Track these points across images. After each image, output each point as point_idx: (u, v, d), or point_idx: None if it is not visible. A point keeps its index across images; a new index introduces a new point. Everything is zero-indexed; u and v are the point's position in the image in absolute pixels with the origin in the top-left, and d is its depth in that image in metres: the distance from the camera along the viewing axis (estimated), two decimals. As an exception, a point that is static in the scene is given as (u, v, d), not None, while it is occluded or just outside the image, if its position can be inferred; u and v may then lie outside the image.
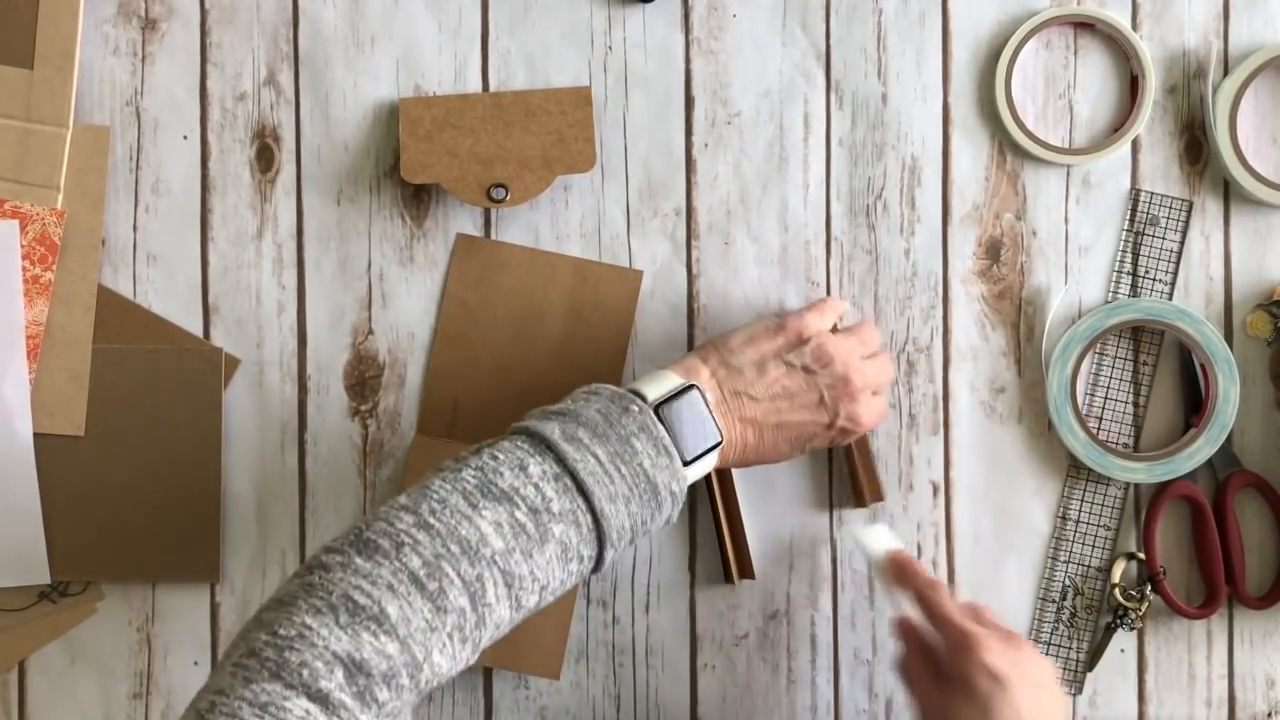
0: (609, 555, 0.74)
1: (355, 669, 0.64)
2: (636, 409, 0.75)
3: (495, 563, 0.69)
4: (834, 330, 0.86)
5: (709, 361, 0.81)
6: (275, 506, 0.93)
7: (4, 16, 0.90)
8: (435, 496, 0.70)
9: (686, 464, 0.76)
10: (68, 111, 0.91)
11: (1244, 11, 0.93)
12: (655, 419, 0.76)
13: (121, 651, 0.92)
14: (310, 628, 0.65)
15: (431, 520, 0.69)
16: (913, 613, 0.83)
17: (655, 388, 0.78)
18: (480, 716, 0.92)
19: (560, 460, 0.73)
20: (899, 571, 0.84)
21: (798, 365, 0.82)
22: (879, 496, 0.92)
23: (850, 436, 0.84)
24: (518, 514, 0.71)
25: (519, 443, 0.74)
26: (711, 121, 0.93)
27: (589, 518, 0.73)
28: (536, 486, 0.72)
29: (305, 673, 0.63)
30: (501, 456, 0.73)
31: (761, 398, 0.81)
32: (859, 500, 0.91)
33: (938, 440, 0.93)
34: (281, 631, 0.65)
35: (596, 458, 0.73)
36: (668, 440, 0.75)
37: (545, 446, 0.73)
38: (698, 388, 0.78)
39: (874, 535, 0.88)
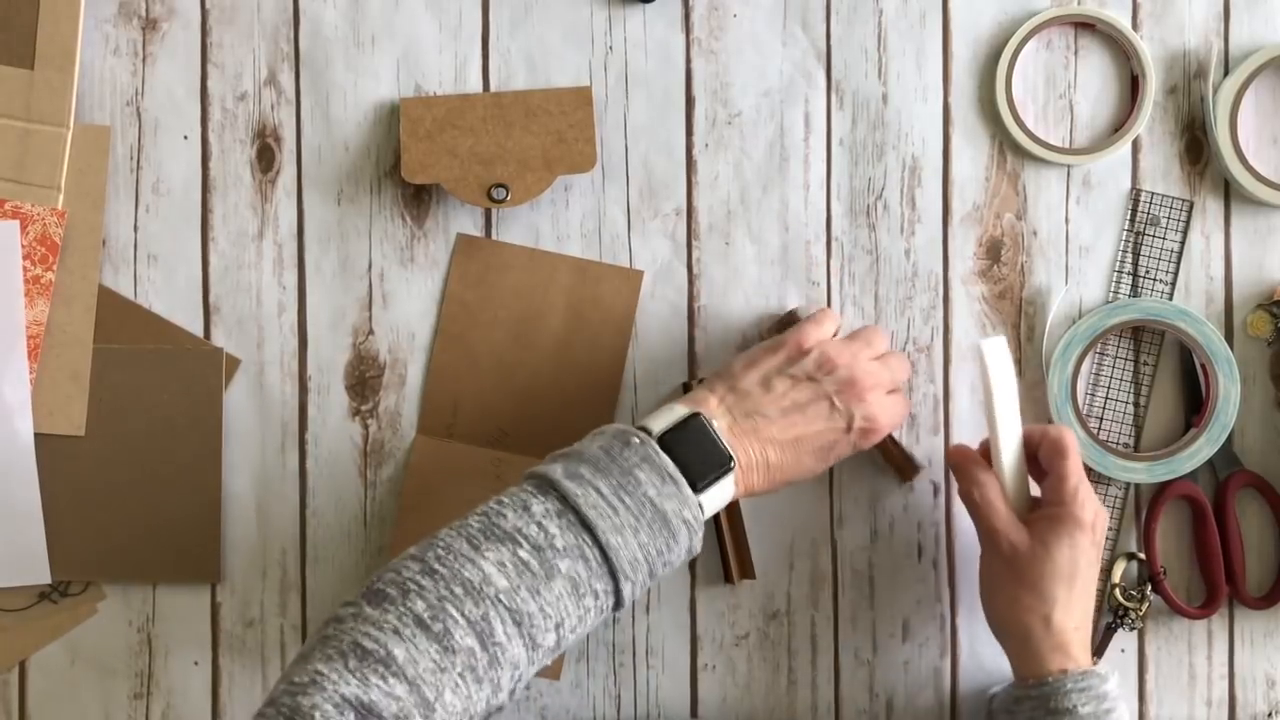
0: (627, 589, 0.74)
1: (365, 711, 0.66)
2: (638, 441, 0.76)
3: (500, 601, 0.71)
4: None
5: (716, 390, 0.81)
6: (275, 506, 0.93)
7: (4, 16, 0.90)
8: (441, 544, 0.73)
9: (698, 490, 0.76)
10: (68, 111, 0.91)
11: (1244, 11, 0.93)
12: (658, 449, 0.76)
13: (121, 651, 0.92)
14: (321, 673, 0.67)
15: (436, 566, 0.71)
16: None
17: (661, 420, 0.78)
18: (480, 716, 0.92)
19: (563, 497, 0.74)
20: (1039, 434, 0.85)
21: (802, 377, 0.81)
22: (915, 470, 0.92)
23: (872, 438, 0.83)
24: (521, 552, 0.72)
25: (525, 486, 0.76)
26: (712, 121, 0.93)
27: (596, 551, 0.73)
28: (540, 524, 0.73)
29: (317, 715, 0.66)
30: (506, 500, 0.74)
31: (773, 415, 0.80)
32: (902, 477, 0.92)
33: (938, 440, 0.93)
34: (296, 679, 0.67)
35: (599, 491, 0.74)
36: (673, 468, 0.76)
37: (548, 486, 0.75)
38: (702, 415, 0.78)
39: (995, 350, 0.85)
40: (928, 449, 0.92)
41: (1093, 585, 0.83)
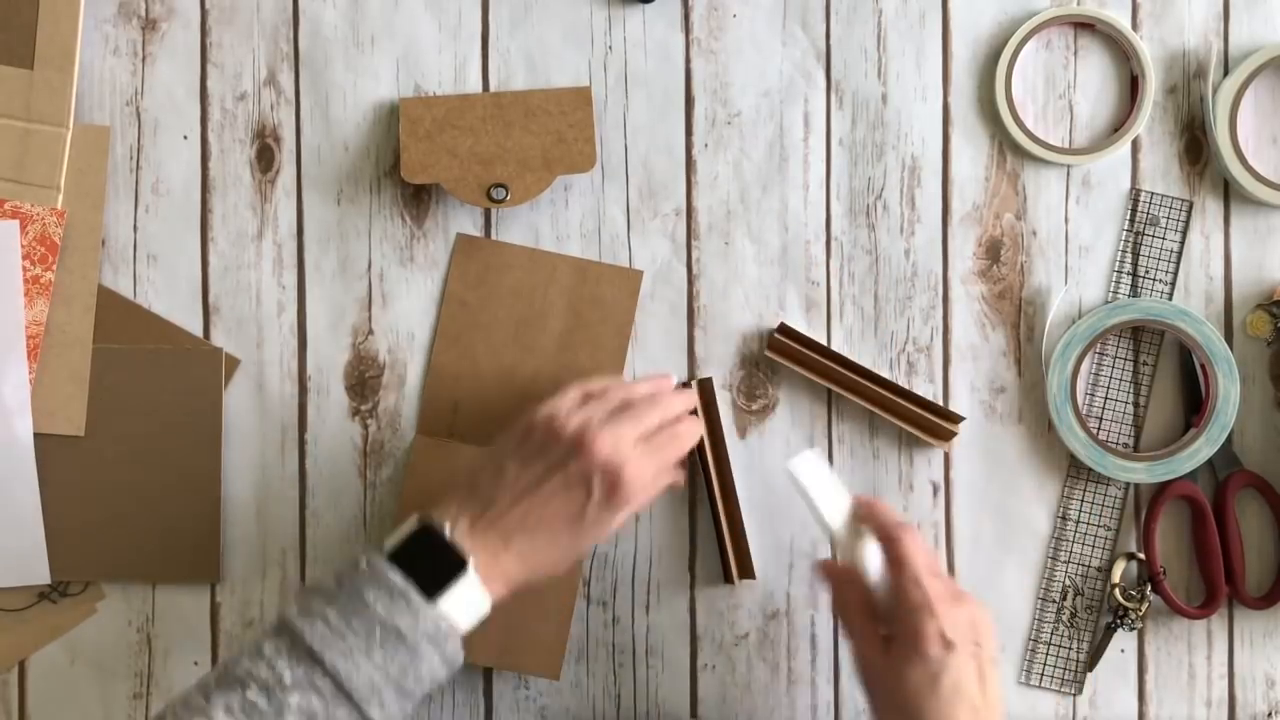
0: (376, 713, 0.73)
1: None
2: (364, 563, 0.75)
3: None
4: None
5: (457, 493, 0.79)
6: (275, 506, 0.93)
7: (4, 16, 0.90)
8: (180, 699, 0.73)
9: (434, 599, 0.74)
10: (68, 111, 0.91)
11: (1244, 11, 0.93)
12: (387, 565, 0.74)
13: (121, 651, 0.92)
14: None
15: (169, 718, 0.72)
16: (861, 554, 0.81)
17: (394, 536, 0.77)
18: (480, 716, 0.92)
19: (292, 633, 0.73)
20: (868, 509, 0.82)
21: (533, 455, 0.78)
22: (747, 574, 0.91)
23: (622, 492, 0.78)
24: (249, 694, 0.72)
25: (265, 630, 0.75)
26: (711, 121, 0.93)
27: (327, 680, 0.72)
28: (269, 664, 0.73)
29: None
30: (245, 647, 0.75)
31: (506, 504, 0.77)
32: (726, 577, 0.91)
33: (938, 440, 0.93)
34: None
35: (325, 620, 0.73)
36: (400, 583, 0.73)
37: (282, 624, 0.74)
38: (434, 522, 0.76)
39: (806, 465, 0.83)
40: (927, 449, 0.93)
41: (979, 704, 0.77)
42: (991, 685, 0.77)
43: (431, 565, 0.75)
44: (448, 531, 0.76)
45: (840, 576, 0.82)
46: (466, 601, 0.75)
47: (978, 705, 0.76)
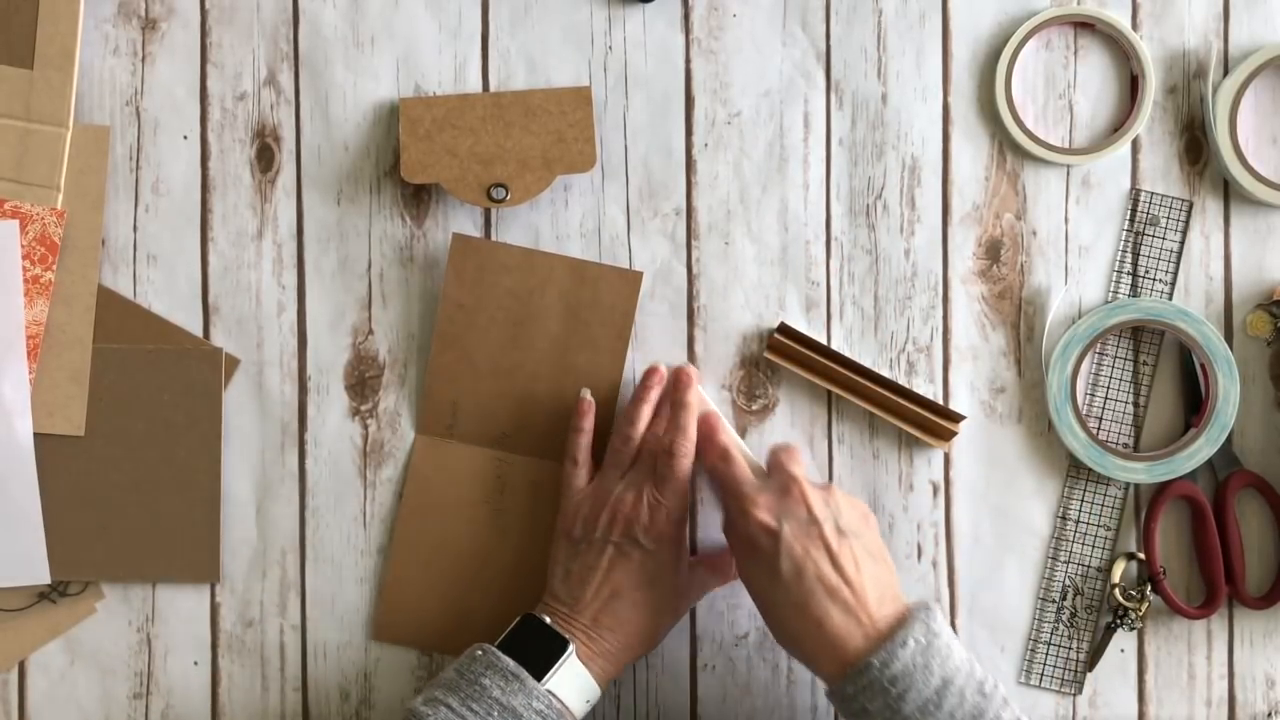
0: None
1: None
2: (480, 653, 0.82)
3: None
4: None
5: (542, 601, 0.87)
6: (275, 506, 0.93)
7: (4, 16, 0.90)
8: None
9: (544, 680, 0.81)
10: (68, 111, 0.91)
11: (1244, 11, 0.93)
12: (499, 654, 0.81)
13: (121, 651, 0.93)
14: None
15: None
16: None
17: (503, 633, 0.84)
18: (480, 716, 0.92)
19: None
20: (706, 430, 0.88)
21: (581, 546, 0.86)
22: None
23: (665, 535, 0.85)
24: None
25: None
26: (711, 121, 0.93)
27: None
28: None
29: None
30: None
31: (579, 591, 0.85)
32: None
33: (938, 440, 0.93)
34: None
35: (449, 706, 0.79)
36: (513, 667, 0.80)
37: (408, 716, 0.80)
38: (532, 614, 0.84)
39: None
40: (927, 449, 0.92)
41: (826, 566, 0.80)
42: (855, 566, 0.80)
43: (537, 651, 0.82)
44: (547, 620, 0.83)
45: (722, 429, 0.88)
46: (573, 681, 0.82)
47: (835, 585, 0.79)
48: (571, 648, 0.82)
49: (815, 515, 0.81)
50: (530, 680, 0.80)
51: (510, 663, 0.80)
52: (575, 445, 0.89)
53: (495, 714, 0.79)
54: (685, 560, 0.87)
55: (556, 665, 0.81)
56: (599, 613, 0.84)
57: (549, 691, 0.81)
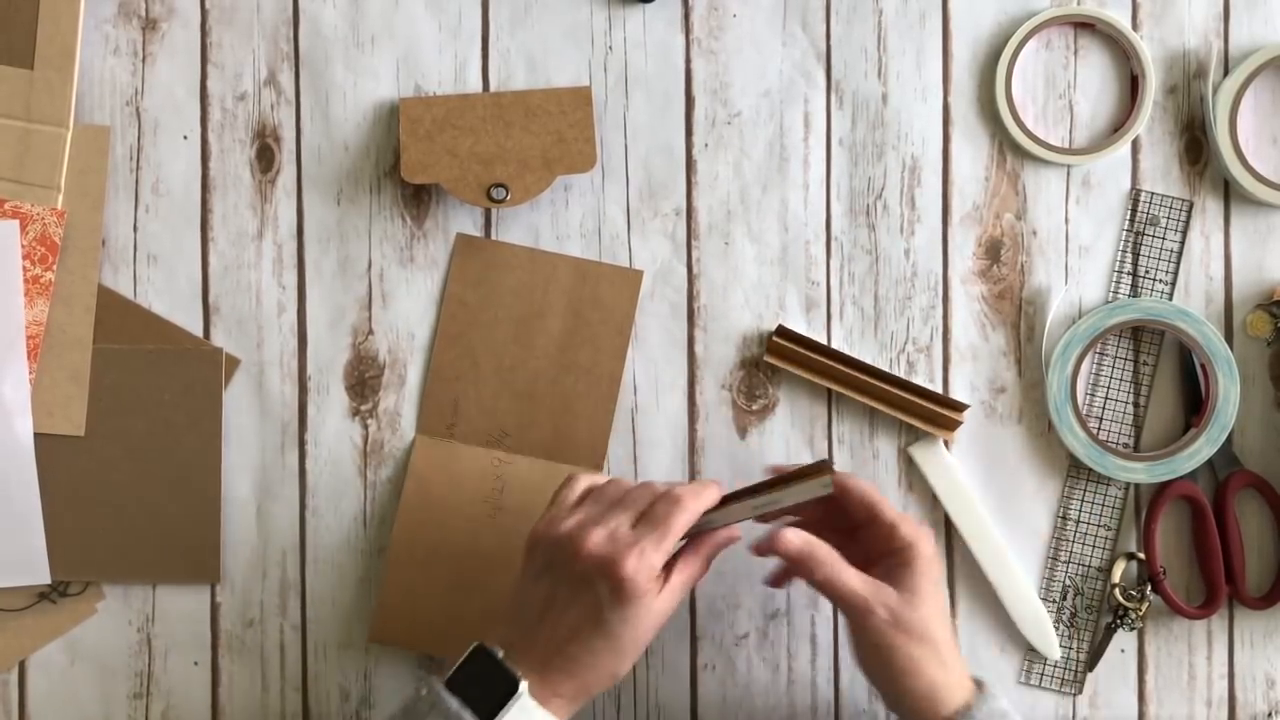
0: None
1: None
2: (425, 691, 0.76)
3: None
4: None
5: (499, 625, 0.80)
6: (275, 506, 0.93)
7: (4, 16, 0.90)
8: None
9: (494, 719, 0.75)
10: (68, 111, 0.91)
11: (1244, 11, 0.93)
12: (445, 693, 0.76)
13: (121, 651, 0.92)
14: None
15: None
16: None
17: (451, 664, 0.78)
18: (480, 716, 0.92)
19: None
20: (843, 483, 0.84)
21: (541, 571, 0.79)
22: None
23: (629, 594, 0.76)
24: None
25: None
26: (711, 121, 0.93)
27: None
28: None
29: None
30: None
31: (534, 626, 0.78)
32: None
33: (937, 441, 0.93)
34: None
35: None
36: (455, 707, 0.75)
37: None
38: (483, 646, 0.77)
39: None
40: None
41: (947, 602, 0.82)
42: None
43: (486, 690, 0.76)
44: (500, 654, 0.77)
45: (808, 540, 0.80)
46: (528, 717, 0.76)
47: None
48: (523, 687, 0.76)
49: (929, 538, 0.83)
50: None
51: (453, 705, 0.75)
52: (586, 477, 0.83)
53: None
54: (651, 613, 0.78)
55: (506, 707, 0.75)
56: (550, 654, 0.77)
57: None
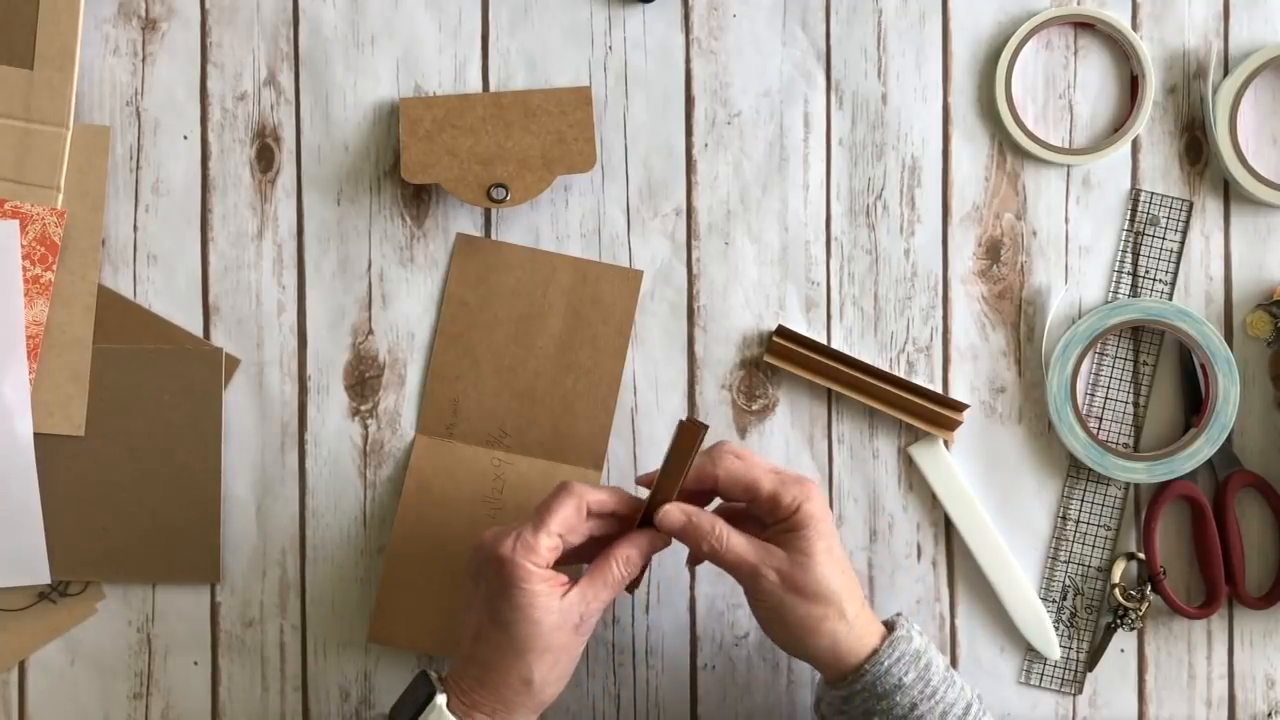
0: None
1: None
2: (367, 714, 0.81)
3: None
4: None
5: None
6: (275, 506, 0.93)
7: (4, 16, 0.90)
8: None
9: None
10: (68, 111, 0.91)
11: (1244, 11, 0.93)
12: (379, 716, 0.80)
13: (121, 651, 0.92)
14: None
15: None
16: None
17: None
18: (480, 716, 0.92)
19: None
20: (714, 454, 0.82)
21: (468, 580, 0.82)
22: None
23: (511, 577, 0.77)
24: None
25: None
26: (711, 121, 0.93)
27: None
28: None
29: None
30: None
31: (464, 639, 0.80)
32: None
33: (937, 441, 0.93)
34: None
35: None
36: None
37: None
38: (422, 669, 0.83)
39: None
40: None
41: (844, 552, 0.81)
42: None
43: (413, 709, 0.79)
44: (433, 674, 0.79)
45: (693, 513, 0.80)
46: None
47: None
48: (439, 700, 0.77)
49: (819, 494, 0.81)
50: None
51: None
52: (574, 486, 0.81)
53: None
54: (550, 611, 0.77)
55: (420, 712, 0.77)
56: (467, 664, 0.79)
57: None
